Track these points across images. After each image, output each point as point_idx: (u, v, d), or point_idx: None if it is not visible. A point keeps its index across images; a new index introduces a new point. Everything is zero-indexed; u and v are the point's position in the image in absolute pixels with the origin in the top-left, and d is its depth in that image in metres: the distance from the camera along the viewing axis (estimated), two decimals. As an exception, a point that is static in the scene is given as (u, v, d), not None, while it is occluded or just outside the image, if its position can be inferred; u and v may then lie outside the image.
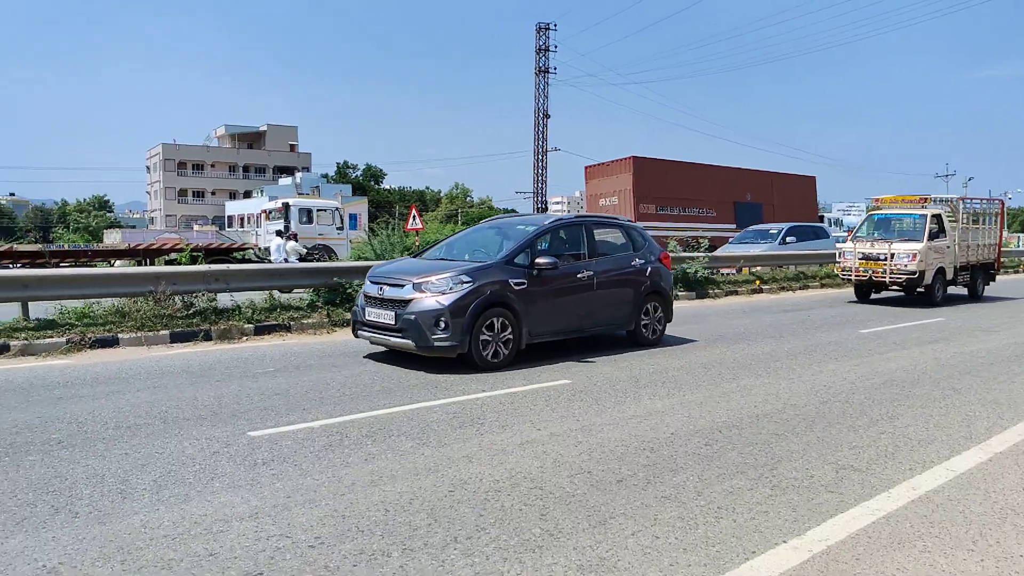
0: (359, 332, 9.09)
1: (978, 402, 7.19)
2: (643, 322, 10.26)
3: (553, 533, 3.95)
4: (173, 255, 22.18)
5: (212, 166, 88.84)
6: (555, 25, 51.24)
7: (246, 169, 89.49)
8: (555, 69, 51.67)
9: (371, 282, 9.08)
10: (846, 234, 22.74)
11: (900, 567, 3.64)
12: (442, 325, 8.12)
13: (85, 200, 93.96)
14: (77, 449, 5.34)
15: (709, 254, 20.11)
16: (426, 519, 4.11)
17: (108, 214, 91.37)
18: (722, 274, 20.64)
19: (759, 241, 24.35)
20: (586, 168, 33.65)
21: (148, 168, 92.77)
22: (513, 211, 61.31)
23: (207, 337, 10.55)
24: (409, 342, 8.30)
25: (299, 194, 50.44)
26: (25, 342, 9.44)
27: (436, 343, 8.14)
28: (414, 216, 21.51)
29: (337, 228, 29.50)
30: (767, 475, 4.93)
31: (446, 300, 8.18)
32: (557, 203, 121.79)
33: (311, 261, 20.59)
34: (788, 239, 24.14)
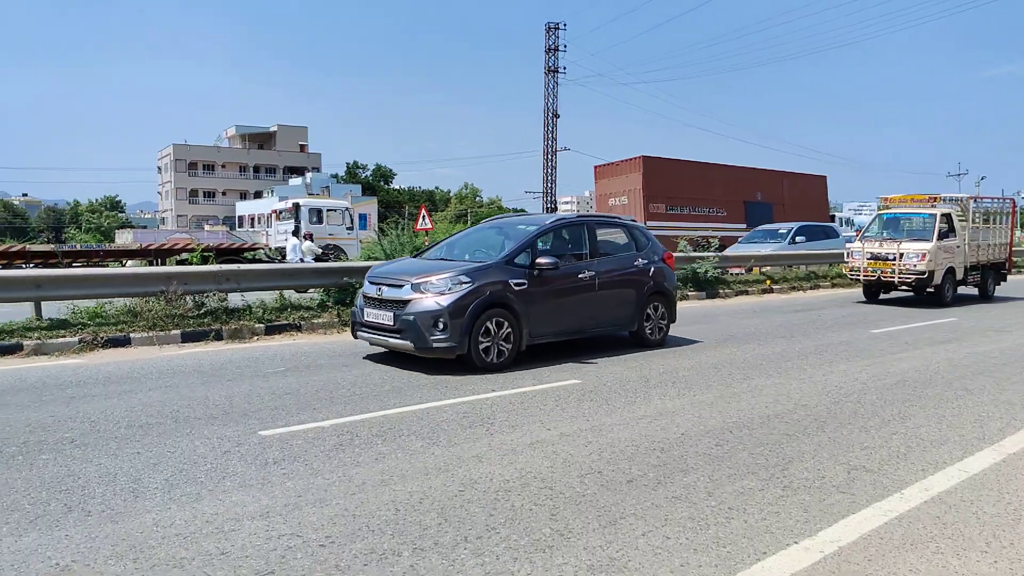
0: (358, 333, 9.04)
1: (991, 402, 7.14)
2: (646, 323, 10.16)
3: (563, 533, 3.94)
4: (184, 255, 22.26)
5: (223, 166, 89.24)
6: (564, 25, 51.28)
7: (256, 169, 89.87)
8: (564, 69, 51.72)
9: (370, 282, 9.02)
10: (855, 234, 22.62)
11: (913, 568, 3.62)
12: (441, 326, 8.04)
13: (97, 200, 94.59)
14: (90, 448, 5.37)
15: (719, 254, 20.04)
16: (436, 519, 4.11)
17: (120, 214, 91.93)
18: (731, 274, 20.57)
19: (768, 241, 24.25)
20: (596, 168, 33.63)
21: (159, 169, 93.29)
22: (522, 211, 61.31)
23: (218, 337, 10.60)
24: (407, 343, 8.24)
25: (309, 194, 50.60)
26: (38, 342, 9.50)
27: (435, 344, 8.07)
28: (423, 216, 21.55)
29: (347, 228, 29.57)
30: (778, 475, 4.92)
31: (445, 301, 8.10)
32: (566, 203, 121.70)
33: (326, 261, 20.66)
34: (798, 239, 24.03)
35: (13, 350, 9.30)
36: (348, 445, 5.49)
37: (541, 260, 8.81)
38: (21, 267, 19.48)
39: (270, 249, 27.70)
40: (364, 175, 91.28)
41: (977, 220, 17.68)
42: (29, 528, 3.94)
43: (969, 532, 4.06)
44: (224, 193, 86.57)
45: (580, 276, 9.36)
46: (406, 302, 8.30)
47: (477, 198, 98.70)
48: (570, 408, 6.71)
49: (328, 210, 29.86)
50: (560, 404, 6.86)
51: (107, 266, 21.39)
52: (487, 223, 11.32)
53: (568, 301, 9.24)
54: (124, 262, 22.87)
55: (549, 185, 52.35)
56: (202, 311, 11.27)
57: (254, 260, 23.11)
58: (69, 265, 20.20)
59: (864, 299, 17.46)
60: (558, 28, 51.23)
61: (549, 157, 51.77)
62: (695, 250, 19.88)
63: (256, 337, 10.91)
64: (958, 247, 16.84)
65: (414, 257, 10.53)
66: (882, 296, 17.68)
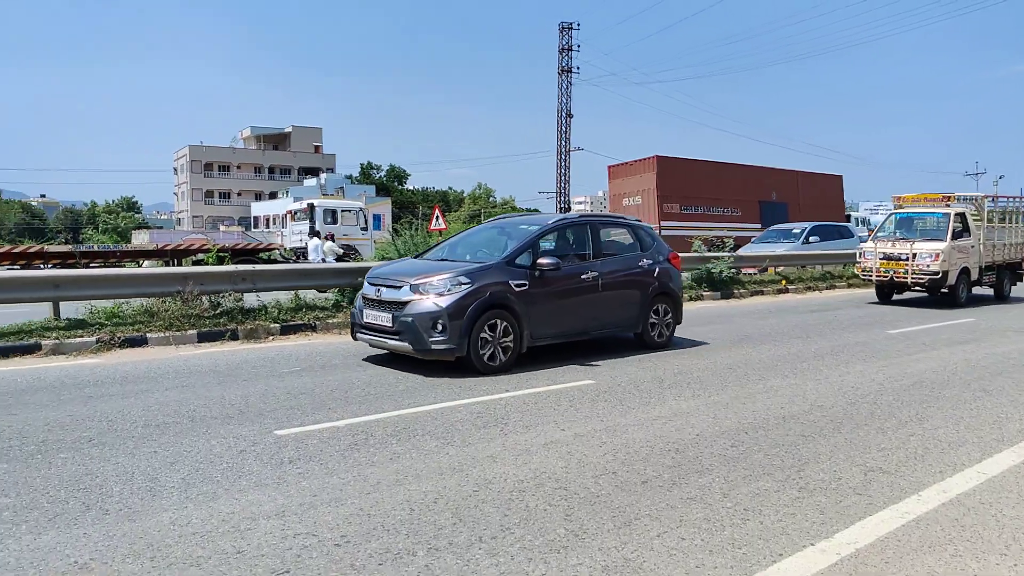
0: (358, 335, 8.96)
1: (1010, 404, 7.07)
2: (651, 324, 10.00)
3: (578, 534, 3.94)
4: (200, 256, 22.45)
5: (238, 167, 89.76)
6: (578, 24, 51.23)
7: (271, 170, 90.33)
8: (578, 68, 51.69)
9: (369, 283, 8.94)
10: (869, 233, 22.45)
11: (930, 571, 3.58)
12: (439, 328, 7.95)
13: (114, 201, 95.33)
14: (107, 447, 5.42)
15: (733, 254, 19.95)
16: (451, 518, 4.12)
17: (136, 215, 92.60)
18: (745, 274, 20.47)
19: (782, 241, 24.10)
20: (609, 168, 33.58)
21: (175, 170, 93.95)
22: (535, 211, 61.26)
23: (234, 337, 10.66)
24: (406, 345, 8.16)
25: (324, 195, 50.85)
26: (56, 341, 9.59)
27: (433, 346, 7.98)
28: (437, 216, 21.58)
29: (361, 228, 29.69)
30: (794, 477, 4.89)
31: (444, 302, 8.00)
32: (580, 203, 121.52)
33: (347, 261, 20.77)
34: (811, 238, 23.86)
35: (32, 350, 9.39)
36: (363, 445, 5.51)
37: (542, 260, 8.69)
38: (39, 267, 19.68)
39: (285, 249, 27.84)
40: (378, 176, 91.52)
41: (993, 219, 17.47)
42: (48, 526, 3.98)
43: (988, 535, 4.02)
44: (239, 194, 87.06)
45: (583, 277, 9.24)
46: (405, 303, 8.22)
47: (491, 198, 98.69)
48: (584, 409, 6.70)
49: (342, 211, 30.00)
50: (574, 405, 6.85)
51: (124, 266, 21.57)
52: (489, 223, 11.22)
53: (570, 302, 9.11)
54: (141, 262, 23.05)
55: (563, 185, 52.32)
56: (218, 311, 11.34)
57: (269, 260, 23.24)
58: (87, 265, 20.38)
59: (877, 300, 17.30)
60: (571, 28, 51.21)
61: (563, 157, 51.75)
62: (709, 250, 19.79)
63: (271, 337, 10.96)
64: (973, 247, 16.62)
65: (415, 258, 10.46)
66: (895, 297, 17.51)
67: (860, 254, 17.42)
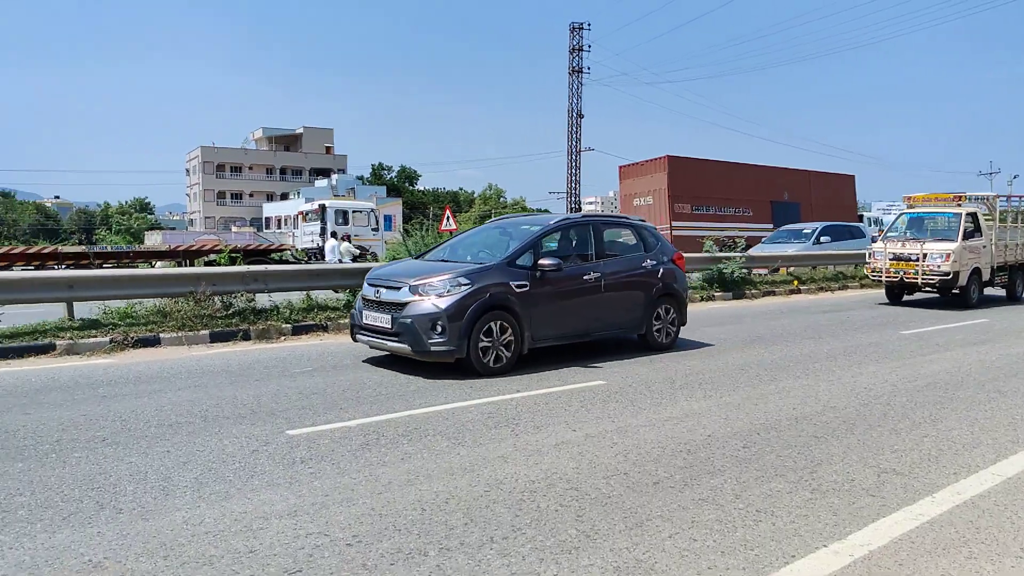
0: (357, 336, 8.90)
1: (1025, 405, 7.01)
2: (655, 325, 9.87)
3: (589, 534, 3.93)
4: (212, 256, 22.57)
5: (250, 168, 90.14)
6: (588, 25, 51.12)
7: (283, 171, 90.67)
8: (588, 69, 51.58)
9: (368, 284, 8.89)
10: (879, 233, 22.29)
11: (945, 574, 3.56)
12: (439, 329, 7.88)
13: (127, 202, 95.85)
14: (121, 446, 5.45)
15: (744, 254, 19.88)
16: (462, 519, 4.12)
17: (149, 216, 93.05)
18: (755, 274, 20.39)
19: (792, 241, 23.97)
20: (620, 168, 33.49)
21: (187, 171, 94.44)
22: (546, 211, 61.24)
23: (246, 337, 10.71)
24: (405, 346, 8.09)
25: (335, 196, 51.03)
26: (70, 341, 9.66)
27: (433, 348, 7.91)
28: (448, 217, 21.61)
29: (372, 229, 29.79)
30: (807, 478, 4.86)
31: (443, 303, 7.93)
32: (590, 203, 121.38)
33: (362, 262, 20.87)
34: (822, 239, 23.73)
35: (46, 350, 9.46)
36: (374, 445, 5.52)
37: (543, 261, 8.60)
38: (54, 268, 19.83)
39: (297, 250, 27.96)
40: (389, 176, 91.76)
41: (1005, 219, 17.30)
42: (62, 525, 4.01)
43: (1003, 537, 3.98)
44: (251, 195, 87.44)
45: (585, 277, 9.15)
46: (404, 304, 8.16)
47: (501, 199, 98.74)
48: (595, 409, 6.69)
49: (354, 211, 30.10)
50: (585, 405, 6.84)
51: (137, 267, 21.71)
52: (491, 223, 11.12)
53: (572, 303, 9.01)
54: (153, 263, 23.20)
55: (573, 185, 52.24)
56: (230, 311, 11.39)
57: (281, 261, 23.33)
58: (100, 266, 20.53)
59: (887, 301, 17.17)
60: (582, 28, 51.11)
61: (573, 157, 51.67)
62: (721, 250, 19.72)
63: (283, 337, 11.01)
64: (984, 247, 16.43)
65: (416, 258, 10.39)
66: (906, 298, 17.37)
67: (870, 254, 17.24)
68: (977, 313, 14.81)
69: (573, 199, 52.33)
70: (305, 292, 12.96)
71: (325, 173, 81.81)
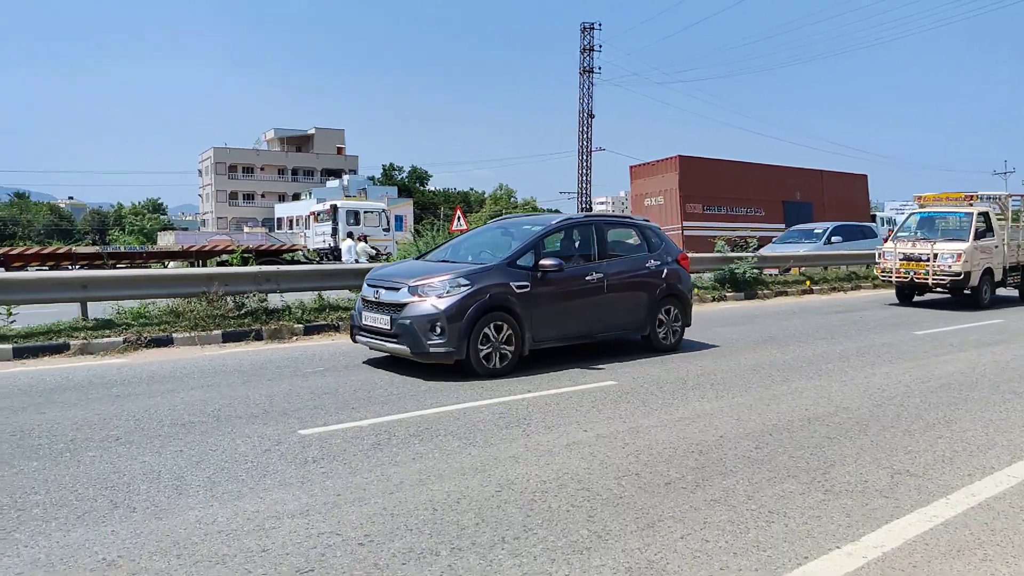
0: (357, 337, 8.86)
1: (1041, 406, 6.95)
2: (659, 326, 9.78)
3: (601, 535, 3.93)
4: (224, 257, 22.69)
5: (262, 169, 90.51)
6: (599, 24, 51.08)
7: (295, 172, 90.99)
8: (600, 68, 51.60)
9: (368, 285, 8.83)
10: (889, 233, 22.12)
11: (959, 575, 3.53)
12: (438, 330, 7.81)
13: (140, 203, 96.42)
14: (134, 446, 5.48)
15: (756, 254, 19.79)
16: (474, 519, 4.12)
17: (162, 217, 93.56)
18: (767, 275, 20.30)
19: (803, 241, 23.84)
20: (631, 168, 33.42)
21: (200, 171, 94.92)
22: (557, 211, 61.16)
23: (258, 337, 10.75)
24: (404, 348, 8.02)
25: (346, 196, 51.16)
26: (84, 341, 9.73)
27: (432, 349, 7.84)
28: (459, 217, 21.63)
29: (384, 229, 29.87)
30: (819, 479, 4.84)
31: (442, 304, 7.87)
32: (601, 203, 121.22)
33: (379, 262, 20.98)
34: (834, 239, 23.57)
35: (60, 349, 9.53)
36: (386, 444, 5.53)
37: (545, 262, 8.52)
38: (68, 268, 19.98)
39: (308, 251, 28.07)
40: (400, 177, 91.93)
41: (1018, 219, 17.11)
42: (77, 523, 4.04)
43: (1019, 539, 3.95)
44: (263, 195, 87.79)
45: (587, 278, 9.05)
46: (403, 305, 8.09)
47: (512, 199, 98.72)
48: (606, 409, 6.68)
49: (365, 212, 30.20)
50: (596, 405, 6.83)
51: (150, 267, 21.84)
52: (494, 223, 11.05)
53: (574, 304, 8.92)
54: (166, 263, 23.34)
55: (584, 185, 52.19)
56: (242, 312, 11.44)
57: (293, 261, 23.43)
58: (114, 266, 20.68)
59: (897, 301, 17.03)
60: (593, 28, 51.09)
61: (584, 157, 51.63)
62: (732, 250, 19.65)
63: (295, 337, 11.04)
64: (996, 247, 16.23)
65: (417, 259, 10.34)
66: (916, 298, 17.22)
67: (879, 255, 17.05)
68: (992, 314, 14.69)
69: (584, 199, 52.28)
70: (317, 292, 13.00)
71: (336, 174, 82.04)
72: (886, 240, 17.80)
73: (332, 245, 28.69)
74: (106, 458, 5.18)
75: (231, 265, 18.15)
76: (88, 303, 11.01)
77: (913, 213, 17.66)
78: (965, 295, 15.93)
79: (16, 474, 4.84)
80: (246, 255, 19.26)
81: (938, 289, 15.95)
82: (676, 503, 4.38)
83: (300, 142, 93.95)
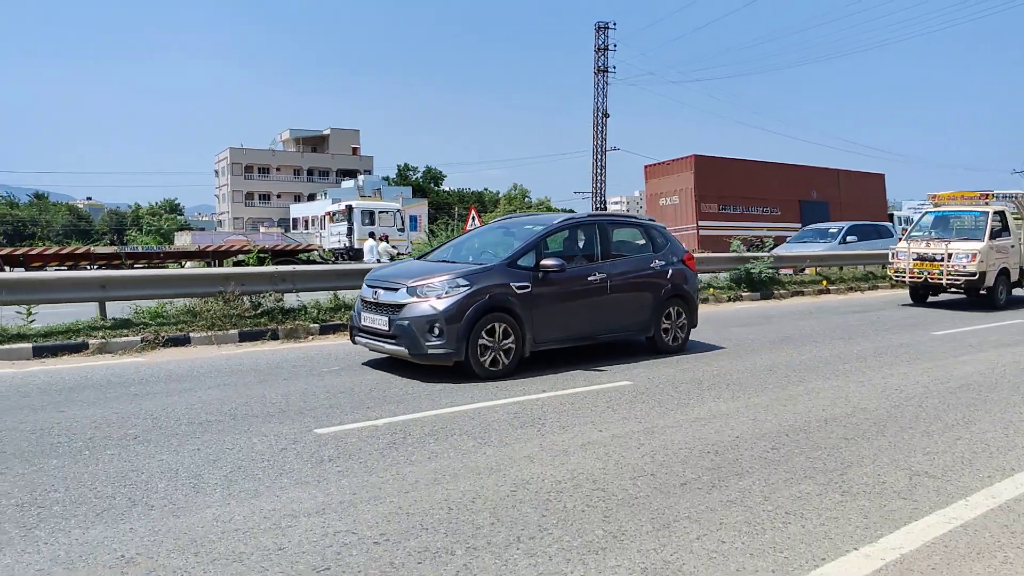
0: (356, 338, 8.81)
1: (1062, 408, 6.86)
2: (663, 328, 9.63)
3: (616, 535, 3.92)
4: (240, 256, 22.82)
5: (277, 169, 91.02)
6: (614, 24, 50.91)
7: (310, 172, 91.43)
8: (614, 68, 51.34)
9: (367, 285, 8.77)
10: (903, 232, 21.88)
11: (979, 578, 3.50)
12: (436, 331, 7.72)
13: (157, 204, 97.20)
14: (152, 444, 5.53)
15: (771, 253, 19.67)
16: (489, 518, 4.13)
17: (178, 217, 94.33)
18: (782, 274, 20.17)
19: (818, 240, 23.63)
20: (646, 167, 33.32)
21: (216, 172, 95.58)
22: (571, 211, 61.08)
23: (274, 336, 10.81)
24: (402, 349, 7.94)
25: (361, 196, 51.34)
26: (102, 340, 9.81)
27: (430, 350, 7.75)
28: (473, 217, 21.67)
29: (398, 229, 29.95)
30: (837, 480, 4.81)
31: (441, 305, 7.78)
32: (616, 203, 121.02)
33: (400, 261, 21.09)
34: (849, 238, 23.35)
35: (79, 348, 9.62)
36: (401, 444, 5.54)
37: (546, 262, 8.39)
38: (86, 268, 20.17)
39: (324, 250, 28.19)
40: (415, 177, 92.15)
41: None
42: (96, 521, 4.07)
43: (1040, 542, 3.91)
44: (279, 196, 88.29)
45: (590, 278, 8.90)
46: (401, 306, 8.01)
47: (526, 199, 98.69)
48: (621, 410, 6.67)
49: (380, 212, 30.30)
50: (611, 405, 6.82)
51: (167, 267, 22.00)
52: (496, 223, 10.95)
53: (576, 305, 8.79)
54: (183, 263, 23.50)
55: (599, 185, 52.04)
56: (259, 311, 11.50)
57: (308, 261, 23.53)
58: (131, 266, 20.85)
59: (911, 302, 16.84)
60: (608, 27, 50.93)
61: (599, 157, 51.48)
62: (748, 250, 19.54)
63: (311, 337, 11.09)
64: (1012, 247, 15.96)
65: (417, 259, 10.28)
66: (931, 299, 17.01)
67: (893, 254, 16.79)
68: (1010, 314, 14.52)
69: (598, 199, 52.16)
70: (332, 292, 13.05)
71: (352, 174, 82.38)
72: (900, 240, 17.63)
73: (347, 245, 28.81)
74: (124, 456, 5.23)
75: (247, 265, 18.25)
76: (106, 303, 11.10)
77: (927, 212, 17.46)
78: (980, 296, 15.71)
79: (36, 472, 4.90)
80: (262, 255, 19.35)
81: (952, 289, 15.74)
82: (692, 504, 4.37)
83: (316, 143, 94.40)
